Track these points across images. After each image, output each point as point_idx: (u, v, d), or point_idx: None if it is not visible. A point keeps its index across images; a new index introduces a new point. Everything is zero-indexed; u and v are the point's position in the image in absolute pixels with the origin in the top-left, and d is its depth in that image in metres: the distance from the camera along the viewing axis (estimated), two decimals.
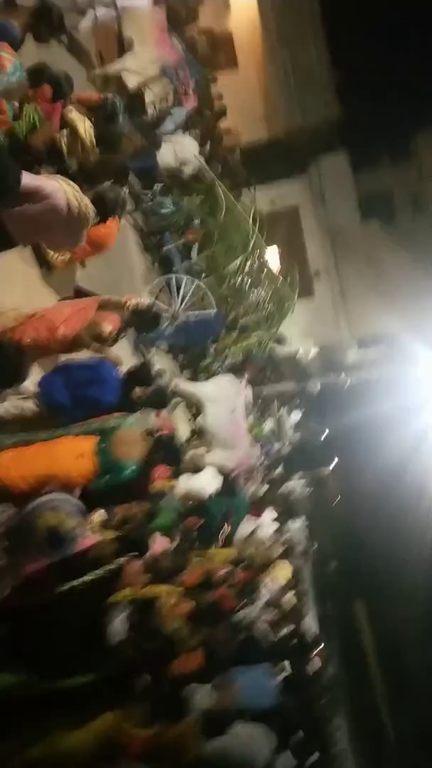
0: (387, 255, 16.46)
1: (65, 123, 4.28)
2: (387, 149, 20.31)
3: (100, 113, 4.62)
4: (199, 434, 9.61)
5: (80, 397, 4.39)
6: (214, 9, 14.97)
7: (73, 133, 4.30)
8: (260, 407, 12.69)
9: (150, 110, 7.37)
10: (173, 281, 9.15)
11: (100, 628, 3.71)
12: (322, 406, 17.54)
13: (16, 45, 4.01)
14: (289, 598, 9.84)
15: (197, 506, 6.28)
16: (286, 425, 15.84)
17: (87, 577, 3.53)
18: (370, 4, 21.68)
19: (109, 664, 3.61)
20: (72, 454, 3.94)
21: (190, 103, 9.47)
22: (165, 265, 10.21)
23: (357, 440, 16.81)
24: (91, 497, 4.02)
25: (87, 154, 4.41)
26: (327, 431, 19.44)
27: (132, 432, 4.09)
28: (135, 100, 6.93)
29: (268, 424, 13.08)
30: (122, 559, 3.74)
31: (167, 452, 4.30)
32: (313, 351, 17.64)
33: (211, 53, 12.51)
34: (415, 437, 15.95)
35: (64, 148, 4.32)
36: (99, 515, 4.08)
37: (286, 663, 7.15)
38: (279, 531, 10.99)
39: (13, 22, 4.13)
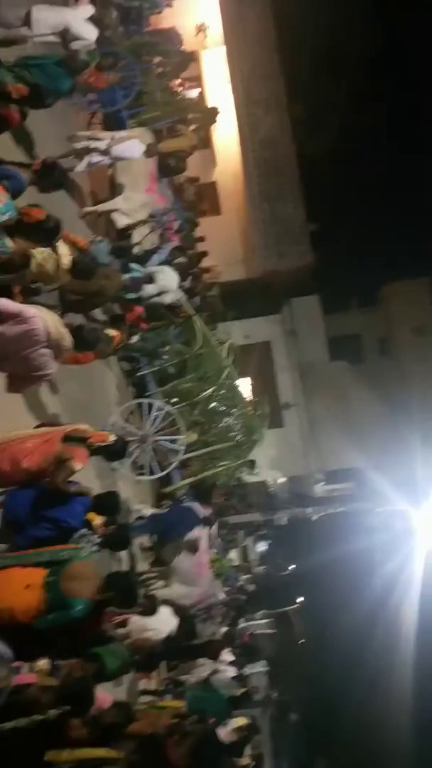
0: (354, 394, 17.00)
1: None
2: (356, 297, 21.73)
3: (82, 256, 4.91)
4: (157, 565, 9.22)
5: (43, 515, 4.29)
6: (202, 161, 16.48)
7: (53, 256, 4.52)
8: (225, 537, 12.33)
9: (135, 250, 7.82)
10: (145, 405, 9.21)
11: None
12: (289, 539, 17.13)
13: (19, 193, 4.37)
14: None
15: (148, 657, 5.79)
16: (250, 557, 15.36)
17: (17, 723, 3.17)
18: (346, 167, 24.19)
19: None
20: (20, 585, 3.73)
21: (174, 242, 10.13)
22: (139, 388, 10.35)
23: (325, 579, 16.27)
24: (35, 635, 3.73)
25: (55, 278, 4.60)
26: (293, 566, 18.84)
27: (84, 566, 3.87)
28: (122, 241, 7.37)
29: (232, 556, 12.64)
30: (54, 711, 3.38)
31: (122, 591, 4.03)
32: (281, 482, 17.56)
33: (197, 200, 13.70)
34: (386, 579, 15.50)
35: (33, 267, 4.51)
36: (43, 663, 3.74)
37: None
38: (237, 676, 10.24)
39: (24, 174, 4.53)
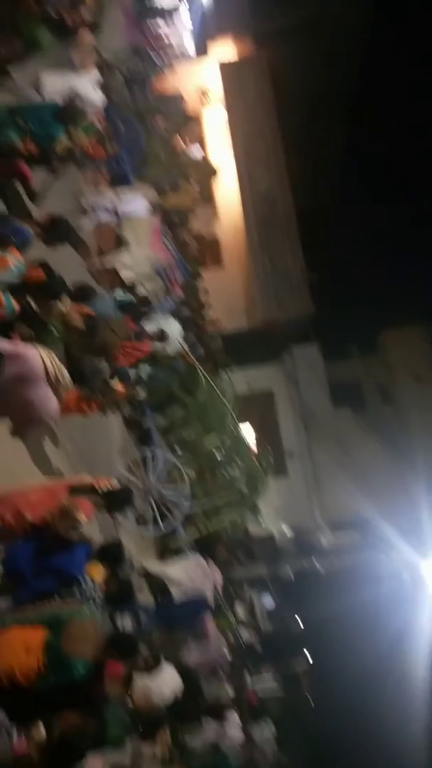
0: (358, 441, 16.90)
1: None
2: (356, 343, 21.87)
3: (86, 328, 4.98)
4: None
5: (45, 565, 4.22)
6: (205, 216, 16.93)
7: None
8: (230, 592, 12.02)
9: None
10: (149, 455, 9.14)
11: None
12: (296, 593, 16.70)
13: (26, 247, 4.46)
14: None
15: (151, 722, 5.57)
16: (256, 612, 14.95)
17: None
18: (342, 219, 24.79)
19: None
20: (20, 646, 3.64)
21: (177, 295, 10.30)
22: (143, 438, 10.29)
23: (333, 635, 15.75)
24: (35, 698, 3.61)
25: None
26: (301, 621, 18.29)
27: (86, 625, 3.77)
28: (128, 293, 7.47)
29: (238, 611, 12.30)
30: None
31: (122, 647, 3.92)
32: (286, 532, 17.25)
33: (200, 254, 14.00)
34: (395, 635, 15.00)
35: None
36: (38, 731, 3.60)
37: None
38: (244, 739, 9.80)
39: (29, 227, 4.65)
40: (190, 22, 20.48)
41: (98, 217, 8.01)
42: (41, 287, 4.91)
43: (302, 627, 16.22)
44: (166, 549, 10.01)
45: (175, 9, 16.21)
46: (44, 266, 4.68)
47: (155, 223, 8.97)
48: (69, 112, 6.08)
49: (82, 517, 4.30)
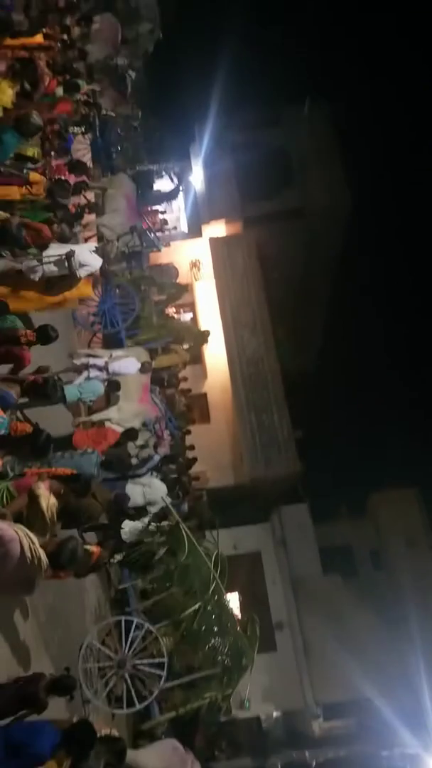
0: (351, 610, 15.87)
1: (31, 495, 4.47)
2: (345, 505, 21.55)
3: (73, 485, 4.89)
4: None
5: (10, 738, 3.91)
6: (193, 374, 17.48)
7: (34, 504, 4.44)
8: None
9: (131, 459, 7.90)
10: (123, 623, 8.49)
11: None
12: None
13: (7, 409, 4.52)
14: None
15: None
16: None
17: None
18: (329, 378, 25.84)
19: None
20: None
21: (164, 449, 10.28)
22: (119, 602, 9.68)
23: None
24: None
25: (45, 527, 4.48)
26: None
27: None
28: (114, 450, 7.43)
29: None
30: None
31: None
32: (275, 716, 15.54)
33: (188, 410, 14.25)
34: None
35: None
36: None
37: None
38: None
39: (11, 390, 4.75)
40: (186, 206, 22.95)
41: (90, 374, 8.21)
42: (24, 441, 4.89)
43: None
44: (140, 732, 8.95)
45: (173, 195, 18.16)
46: (29, 420, 4.70)
47: (144, 380, 9.21)
48: (25, 125, 5.80)
49: None
